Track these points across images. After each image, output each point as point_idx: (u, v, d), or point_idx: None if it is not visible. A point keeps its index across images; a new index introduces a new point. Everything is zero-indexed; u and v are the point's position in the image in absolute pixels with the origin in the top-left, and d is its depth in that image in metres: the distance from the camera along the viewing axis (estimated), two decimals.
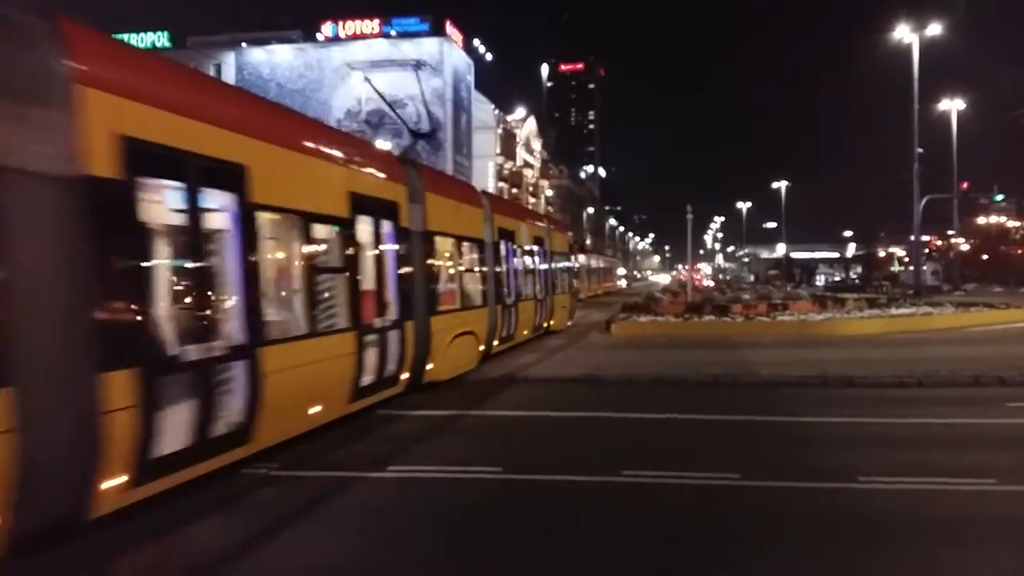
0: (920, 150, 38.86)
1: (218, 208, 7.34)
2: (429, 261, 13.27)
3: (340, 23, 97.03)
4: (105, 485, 5.75)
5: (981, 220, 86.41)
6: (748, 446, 9.07)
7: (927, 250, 70.15)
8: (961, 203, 58.45)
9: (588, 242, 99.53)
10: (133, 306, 6.14)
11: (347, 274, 9.93)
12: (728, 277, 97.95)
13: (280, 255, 9.08)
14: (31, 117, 5.45)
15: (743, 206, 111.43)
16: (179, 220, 6.84)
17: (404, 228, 11.99)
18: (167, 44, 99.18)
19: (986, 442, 9.33)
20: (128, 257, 6.17)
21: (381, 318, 10.84)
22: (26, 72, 5.53)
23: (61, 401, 5.50)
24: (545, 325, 22.19)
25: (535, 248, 21.28)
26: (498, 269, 17.26)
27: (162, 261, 6.97)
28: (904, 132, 39.32)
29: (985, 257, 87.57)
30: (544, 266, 22.06)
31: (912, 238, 45.23)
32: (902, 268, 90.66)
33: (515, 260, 18.88)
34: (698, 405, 11.59)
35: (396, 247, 11.64)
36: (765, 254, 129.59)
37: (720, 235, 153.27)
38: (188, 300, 7.09)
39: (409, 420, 10.89)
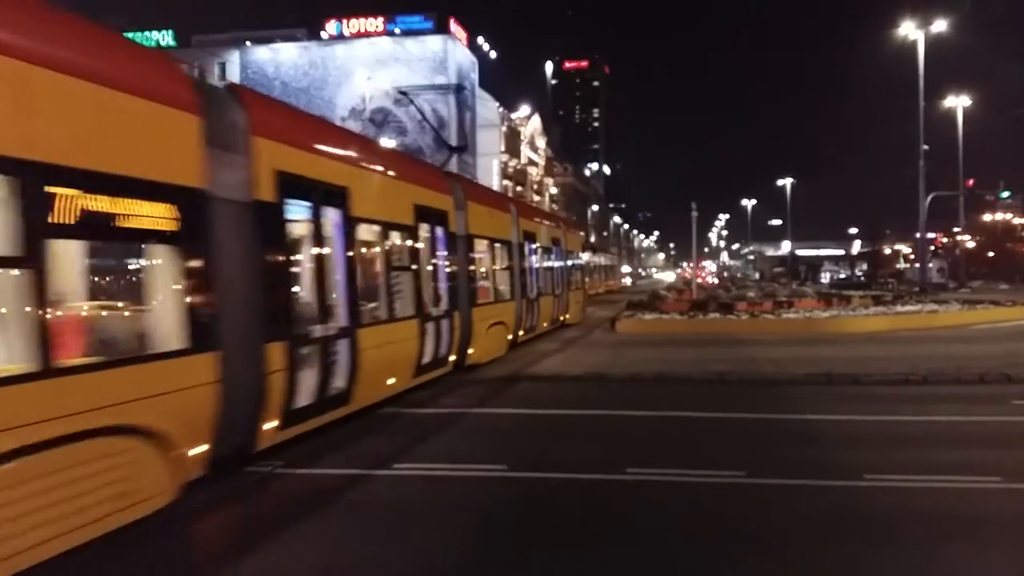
0: (926, 147, 38.79)
1: (331, 221, 9.37)
2: (470, 260, 15.42)
3: (344, 21, 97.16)
4: (265, 426, 7.82)
5: (987, 217, 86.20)
6: (754, 444, 9.06)
7: (933, 247, 69.95)
8: (967, 200, 58.32)
9: (592, 240, 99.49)
10: (284, 294, 8.36)
11: (412, 271, 12.04)
12: (728, 275, 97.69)
13: (369, 256, 11.09)
14: (225, 160, 7.32)
15: (748, 204, 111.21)
16: (308, 230, 8.99)
17: (451, 232, 14.13)
18: (172, 43, 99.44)
19: (992, 440, 9.30)
20: (281, 258, 8.28)
21: (436, 309, 13.01)
22: (224, 127, 7.44)
23: (243, 363, 7.34)
24: (562, 318, 24.33)
25: (553, 248, 23.41)
26: (523, 267, 19.28)
27: (299, 261, 9.16)
28: (910, 129, 39.20)
29: (991, 254, 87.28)
30: (561, 264, 24.20)
31: (918, 235, 45.14)
32: (908, 265, 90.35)
33: (537, 259, 20.95)
34: (703, 403, 11.59)
35: (446, 249, 13.77)
36: (770, 251, 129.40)
37: (725, 233, 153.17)
38: (313, 291, 8.97)
39: (413, 418, 10.90)
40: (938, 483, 7.18)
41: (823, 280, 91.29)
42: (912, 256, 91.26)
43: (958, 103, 53.23)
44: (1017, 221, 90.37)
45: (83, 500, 5.46)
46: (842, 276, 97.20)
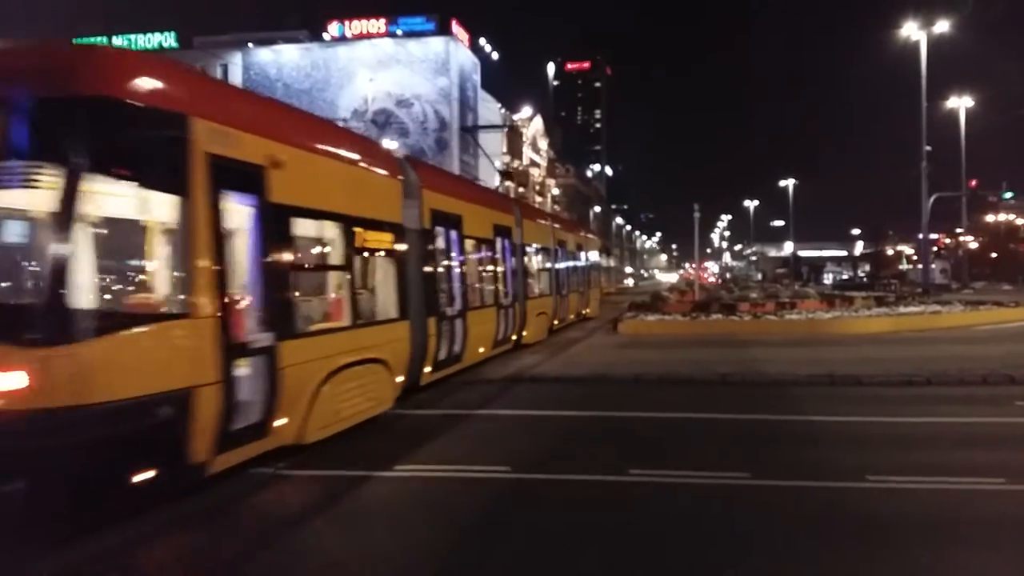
0: (928, 148, 38.72)
1: (452, 238, 13.97)
2: (525, 263, 19.67)
3: (346, 23, 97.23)
4: (424, 370, 12.24)
5: (990, 218, 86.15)
6: (756, 445, 9.05)
7: (936, 248, 69.85)
8: (970, 201, 58.32)
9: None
10: (435, 286, 12.84)
11: (493, 272, 16.64)
12: (731, 276, 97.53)
13: (473, 262, 15.58)
14: (409, 205, 11.75)
15: (750, 204, 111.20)
16: (443, 245, 13.55)
17: (514, 243, 18.34)
18: (174, 44, 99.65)
19: (995, 441, 9.29)
20: (433, 263, 12.82)
21: (506, 300, 17.38)
22: (409, 185, 11.89)
23: (418, 329, 11.69)
24: (585, 311, 28.70)
25: (579, 253, 28.17)
26: (558, 269, 23.62)
27: (440, 265, 13.34)
28: (913, 130, 39.16)
29: (994, 255, 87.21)
30: (585, 266, 29.24)
31: (920, 236, 45.08)
32: (910, 266, 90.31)
33: (567, 262, 25.57)
34: (706, 404, 11.58)
35: (511, 256, 18.00)
36: (773, 252, 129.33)
37: (727, 234, 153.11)
38: (447, 285, 13.56)
39: (416, 420, 10.90)
40: (942, 484, 7.16)
41: (826, 281, 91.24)
42: (915, 257, 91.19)
43: (961, 104, 53.22)
44: (1020, 222, 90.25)
45: (364, 395, 9.79)
46: (845, 277, 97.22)
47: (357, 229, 9.92)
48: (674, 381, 13.68)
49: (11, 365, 5.43)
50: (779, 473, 7.61)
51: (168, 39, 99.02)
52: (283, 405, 7.74)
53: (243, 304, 7.65)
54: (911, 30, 37.73)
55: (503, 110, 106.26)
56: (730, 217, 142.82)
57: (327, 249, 9.75)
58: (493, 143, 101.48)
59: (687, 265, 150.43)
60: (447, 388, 13.26)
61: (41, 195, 5.86)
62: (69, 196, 5.72)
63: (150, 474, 6.14)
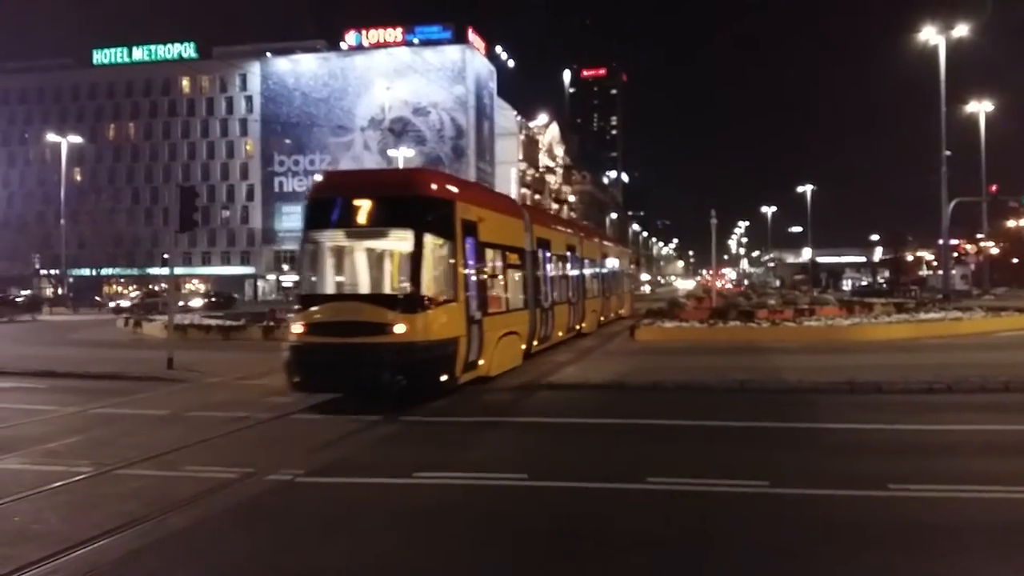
0: (948, 152, 38.35)
1: (546, 256, 19.62)
2: (584, 272, 25.40)
3: (363, 32, 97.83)
4: (534, 343, 18.07)
5: (1011, 223, 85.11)
6: (776, 453, 9.00)
7: (956, 254, 69.22)
8: (990, 206, 57.61)
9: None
10: (539, 287, 18.55)
11: (567, 278, 22.49)
12: (748, 282, 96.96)
13: (556, 270, 20.81)
14: (526, 235, 18.11)
15: (768, 211, 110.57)
16: (542, 261, 19.09)
17: (577, 256, 24.06)
18: (193, 55, 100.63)
19: (1018, 449, 9.19)
20: (537, 274, 18.53)
21: (574, 299, 23.18)
22: (526, 222, 18.42)
23: (531, 315, 17.64)
24: (621, 312, 33.93)
25: (618, 263, 34.74)
26: (604, 275, 30.02)
27: (541, 274, 18.92)
28: (932, 134, 38.84)
29: (1015, 260, 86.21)
30: (620, 273, 35.60)
31: (940, 242, 44.68)
32: (930, 272, 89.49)
33: (611, 271, 32.01)
34: (724, 412, 11.53)
35: (576, 266, 23.89)
36: (791, 259, 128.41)
37: (745, 240, 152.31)
38: (545, 287, 19.18)
39: (432, 426, 10.95)
40: (964, 493, 7.09)
41: (845, 287, 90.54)
42: (935, 263, 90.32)
43: (980, 108, 52.72)
44: None
45: (512, 352, 16.11)
46: (864, 283, 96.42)
47: (508, 253, 16.60)
48: (692, 388, 13.63)
49: (400, 321, 11.79)
50: (799, 481, 7.56)
51: (188, 49, 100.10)
52: (484, 352, 14.13)
53: (471, 296, 13.66)
54: (930, 34, 37.46)
55: (519, 117, 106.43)
56: (747, 223, 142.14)
57: (498, 265, 15.94)
58: (509, 150, 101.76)
59: (704, 271, 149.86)
60: (467, 395, 13.29)
61: (405, 242, 12.70)
62: (418, 241, 12.36)
63: (444, 377, 12.50)
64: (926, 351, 18.28)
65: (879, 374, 14.06)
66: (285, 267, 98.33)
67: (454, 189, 13.89)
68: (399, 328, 11.71)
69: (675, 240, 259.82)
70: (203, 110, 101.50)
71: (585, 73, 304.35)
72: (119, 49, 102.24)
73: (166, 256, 70.70)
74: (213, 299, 61.40)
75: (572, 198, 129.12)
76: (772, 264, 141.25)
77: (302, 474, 8.10)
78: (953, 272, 53.73)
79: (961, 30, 37.10)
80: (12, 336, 31.27)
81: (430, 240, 12.52)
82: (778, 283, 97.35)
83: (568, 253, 22.63)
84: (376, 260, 14.48)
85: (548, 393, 13.70)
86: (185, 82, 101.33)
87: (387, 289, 14.15)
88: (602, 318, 28.43)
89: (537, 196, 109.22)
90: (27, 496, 7.36)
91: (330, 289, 13.63)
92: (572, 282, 22.91)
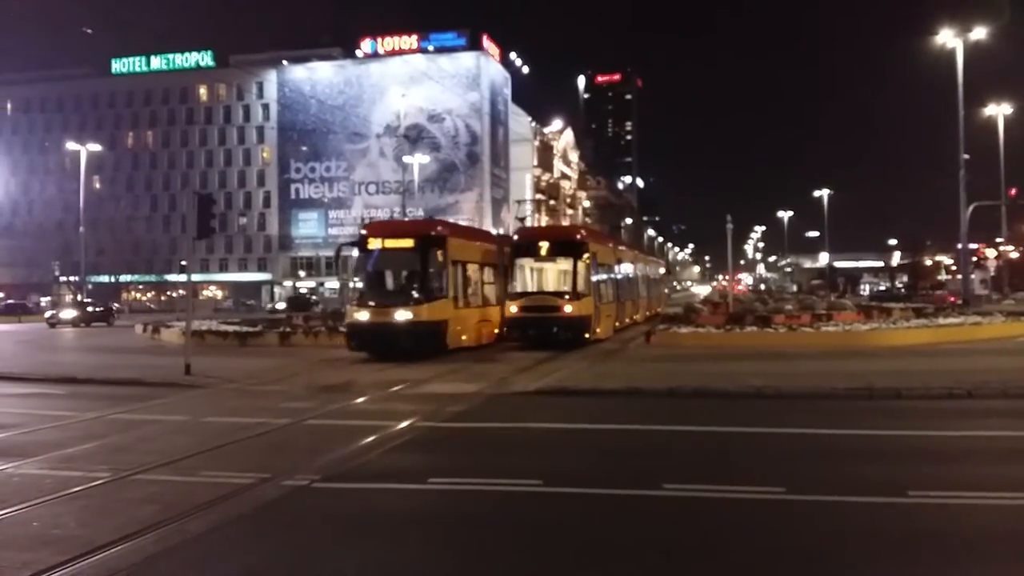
0: (966, 156, 38.01)
1: (611, 267, 28.18)
2: (639, 276, 35.23)
3: (379, 40, 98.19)
4: (615, 324, 27.90)
5: None
6: (793, 459, 8.93)
7: (975, 258, 68.56)
8: (1009, 210, 57.15)
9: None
10: (619, 288, 29.67)
11: (633, 281, 33.67)
12: (765, 287, 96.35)
13: (626, 276, 31.63)
14: (614, 257, 29.77)
15: (784, 215, 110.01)
16: (619, 269, 30.20)
17: (634, 265, 33.95)
18: (211, 63, 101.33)
19: None
20: (618, 278, 29.95)
21: (635, 296, 33.16)
22: (612, 249, 30.31)
23: (621, 305, 29.42)
24: (658, 310, 41.00)
25: (657, 271, 45.43)
26: (650, 280, 40.09)
27: (620, 278, 30.31)
28: (950, 138, 38.52)
29: None
30: (658, 279, 45.76)
31: (959, 246, 44.28)
32: (949, 277, 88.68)
33: (653, 277, 42.20)
34: (741, 418, 11.45)
35: (636, 273, 34.44)
36: (808, 263, 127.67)
37: (761, 245, 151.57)
38: (623, 287, 30.41)
39: (448, 432, 10.95)
40: (984, 500, 7.00)
41: (863, 292, 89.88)
42: (954, 267, 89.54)
43: (999, 111, 52.25)
44: None
45: (609, 325, 26.52)
46: (882, 288, 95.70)
47: (611, 267, 27.70)
48: (708, 394, 13.57)
49: (566, 304, 22.39)
50: (816, 488, 7.47)
51: (205, 58, 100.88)
52: (599, 323, 24.07)
53: (595, 293, 23.78)
54: (947, 37, 37.16)
55: (534, 123, 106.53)
56: (764, 228, 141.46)
57: (605, 275, 26.25)
58: (524, 156, 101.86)
59: (720, 277, 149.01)
60: (483, 401, 13.30)
61: (568, 265, 23.33)
62: (574, 265, 23.03)
63: (586, 335, 22.92)
64: (946, 356, 18.12)
65: (898, 379, 13.95)
66: (302, 273, 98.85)
67: (590, 238, 25.40)
68: (567, 308, 22.45)
69: (691, 245, 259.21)
70: (220, 118, 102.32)
71: (600, 79, 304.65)
72: (138, 58, 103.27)
73: (184, 263, 71.27)
74: (291, 300, 65.40)
75: (587, 203, 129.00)
76: (789, 269, 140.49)
77: (318, 479, 8.11)
78: (972, 277, 53.18)
79: (979, 33, 36.79)
80: (41, 344, 31.55)
81: (580, 264, 23.08)
82: (795, 288, 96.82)
83: (632, 265, 34.07)
84: (552, 274, 24.85)
85: (563, 399, 13.67)
86: (203, 90, 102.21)
87: (560, 288, 23.90)
88: (648, 312, 37.07)
89: (552, 201, 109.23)
90: (46, 501, 7.41)
91: (529, 289, 24.14)
92: (636, 285, 34.46)
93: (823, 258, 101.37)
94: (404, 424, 11.13)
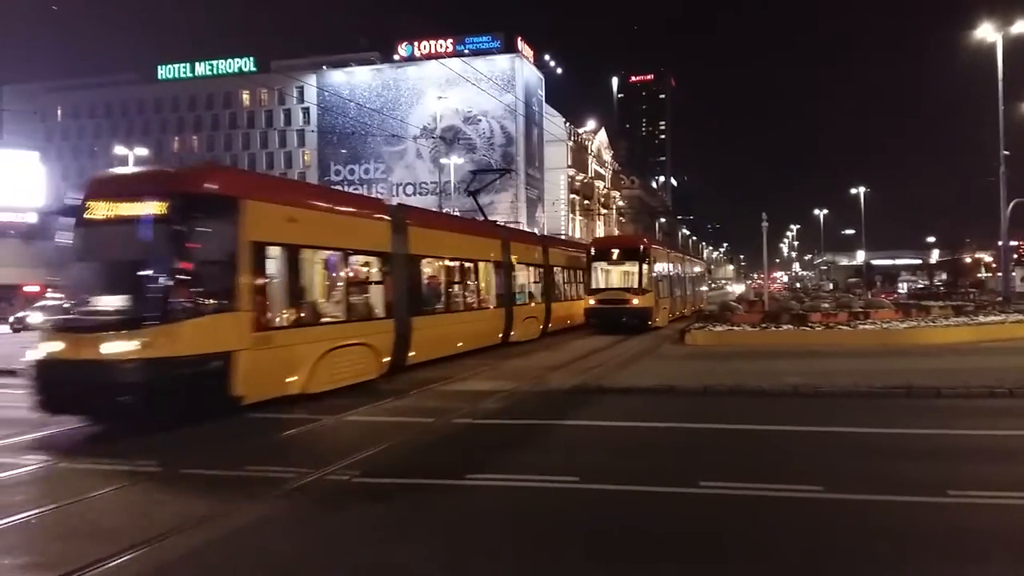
0: (1006, 152, 37.25)
1: (665, 269, 32.90)
2: (686, 276, 40.06)
3: (415, 44, 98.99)
4: (683, 311, 36.58)
5: None
6: (831, 458, 8.91)
7: (1016, 255, 67.05)
8: None
9: None
10: (672, 285, 34.35)
11: (681, 279, 37.91)
12: (801, 286, 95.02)
13: (674, 275, 35.80)
14: (669, 260, 34.99)
15: (820, 213, 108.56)
16: (665, 270, 32.73)
17: (681, 265, 38.32)
18: (253, 68, 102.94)
19: None
20: (668, 275, 33.66)
21: (682, 292, 38.10)
22: (666, 251, 35.64)
23: (673, 298, 34.90)
24: (701, 306, 42.57)
25: (697, 270, 47.87)
26: (694, 277, 43.94)
27: (672, 276, 35.15)
28: (990, 133, 37.79)
29: None
30: (698, 278, 48.03)
31: (1000, 243, 43.42)
32: (990, 274, 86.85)
33: (695, 275, 44.67)
34: (777, 416, 11.45)
35: (682, 273, 38.28)
36: (844, 261, 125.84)
37: (797, 243, 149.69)
38: (675, 285, 35.95)
39: (484, 429, 11.07)
40: None
41: (900, 290, 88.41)
42: (994, 265, 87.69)
43: None
44: None
45: (667, 315, 32.60)
46: (920, 286, 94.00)
47: (667, 267, 33.17)
48: (744, 392, 13.54)
49: (635, 297, 28.44)
50: (855, 487, 7.47)
51: (247, 64, 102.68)
52: (659, 313, 29.92)
53: (659, 288, 30.40)
54: (987, 32, 36.49)
55: (568, 124, 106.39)
56: (799, 226, 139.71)
57: (663, 274, 31.73)
58: (558, 157, 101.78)
59: (755, 275, 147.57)
60: (518, 398, 13.43)
61: (633, 267, 29.54)
62: (640, 266, 29.00)
63: (650, 323, 28.81)
64: (986, 355, 17.84)
65: (937, 378, 13.80)
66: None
67: (650, 244, 30.39)
68: (635, 301, 27.94)
69: (725, 244, 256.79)
70: (263, 122, 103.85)
71: (633, 79, 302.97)
72: (182, 65, 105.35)
73: None
74: None
75: (621, 203, 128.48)
76: (825, 267, 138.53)
77: (358, 475, 8.30)
78: (1013, 274, 52.04)
79: (1020, 27, 36.07)
80: None
81: (643, 266, 28.54)
82: (832, 286, 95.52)
83: (681, 266, 38.49)
84: (622, 275, 29.48)
85: (598, 396, 13.73)
86: (245, 95, 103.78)
87: (628, 286, 28.74)
88: (693, 307, 40.28)
89: (586, 201, 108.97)
90: (96, 495, 7.72)
91: (603, 286, 29.13)
92: (684, 283, 38.85)
93: (860, 256, 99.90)
94: (439, 420, 11.32)
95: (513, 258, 24.35)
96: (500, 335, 23.28)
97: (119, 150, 55.63)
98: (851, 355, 18.47)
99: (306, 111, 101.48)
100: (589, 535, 6.41)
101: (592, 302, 28.73)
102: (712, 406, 12.71)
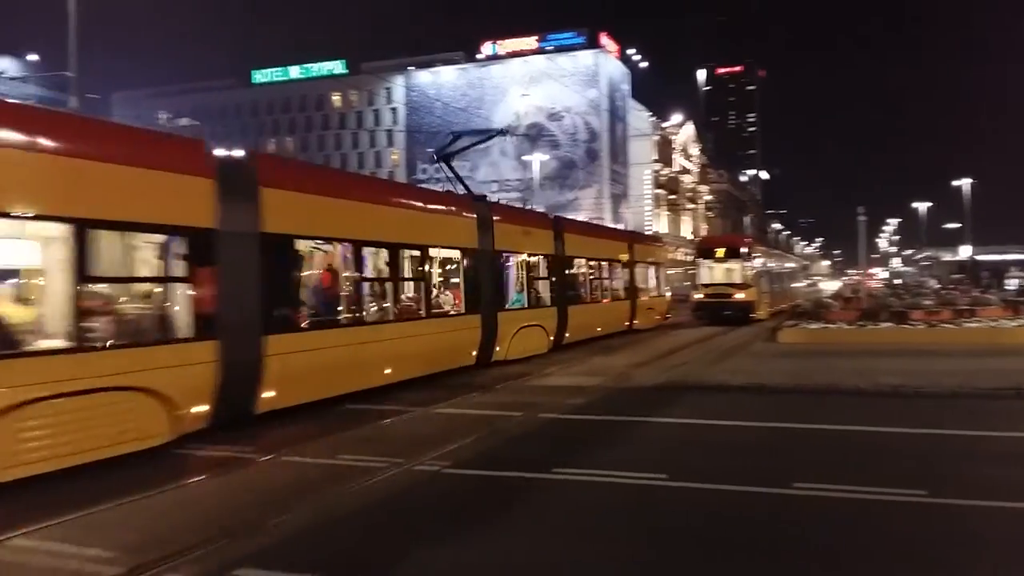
0: None
1: (766, 266, 35.83)
2: (784, 272, 43.16)
3: (499, 42, 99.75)
4: (781, 307, 36.35)
5: None
6: (934, 461, 8.53)
7: None
8: None
9: None
10: (772, 284, 36.38)
11: (781, 276, 42.10)
12: (901, 282, 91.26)
13: (774, 273, 38.82)
14: (770, 258, 39.08)
15: (921, 207, 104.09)
16: (765, 267, 35.18)
17: (780, 262, 43.05)
18: (344, 71, 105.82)
19: None
20: (770, 276, 36.69)
21: (780, 289, 40.02)
22: (766, 251, 40.77)
23: (772, 294, 35.89)
24: (798, 300, 41.74)
25: (797, 267, 49.41)
26: (792, 273, 47.05)
27: (773, 275, 37.61)
28: None
29: None
30: (792, 272, 49.14)
31: None
32: None
33: (793, 272, 46.93)
34: (876, 416, 11.00)
35: (783, 270, 43.59)
36: (947, 257, 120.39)
37: (896, 238, 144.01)
38: (775, 283, 37.79)
39: (572, 424, 11.05)
40: None
41: (1009, 287, 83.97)
42: None
43: None
44: None
45: (769, 309, 34.20)
46: None
47: (768, 266, 35.80)
48: (839, 392, 13.10)
49: (739, 292, 31.07)
50: (961, 492, 7.14)
51: (338, 66, 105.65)
52: (760, 307, 32.06)
53: (758, 285, 32.58)
54: None
55: (653, 118, 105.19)
56: (899, 220, 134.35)
57: (765, 273, 34.62)
58: (643, 151, 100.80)
59: (851, 271, 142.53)
60: (606, 394, 13.35)
61: (735, 265, 32.10)
62: (741, 265, 31.95)
63: (751, 315, 31.04)
64: None
65: None
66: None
67: (752, 244, 33.30)
68: (739, 295, 30.40)
69: (819, 239, 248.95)
70: (353, 123, 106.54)
71: (720, 71, 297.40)
72: (276, 69, 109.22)
73: None
74: None
75: (708, 197, 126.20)
76: (927, 263, 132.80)
77: (447, 466, 8.41)
78: None
79: None
80: None
81: (746, 264, 31.09)
82: (936, 283, 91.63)
83: (780, 263, 41.42)
84: (724, 271, 31.54)
85: (687, 394, 13.50)
86: (336, 97, 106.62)
87: (731, 281, 31.07)
88: (791, 302, 40.33)
89: (672, 196, 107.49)
90: (198, 480, 8.06)
91: (708, 281, 31.77)
92: (783, 279, 41.53)
93: (964, 251, 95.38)
94: (526, 415, 11.35)
95: (636, 258, 27.69)
96: (626, 323, 26.94)
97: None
98: (955, 354, 17.64)
99: (394, 111, 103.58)
100: (675, 533, 6.32)
101: (699, 296, 31.91)
102: (804, 405, 12.37)
